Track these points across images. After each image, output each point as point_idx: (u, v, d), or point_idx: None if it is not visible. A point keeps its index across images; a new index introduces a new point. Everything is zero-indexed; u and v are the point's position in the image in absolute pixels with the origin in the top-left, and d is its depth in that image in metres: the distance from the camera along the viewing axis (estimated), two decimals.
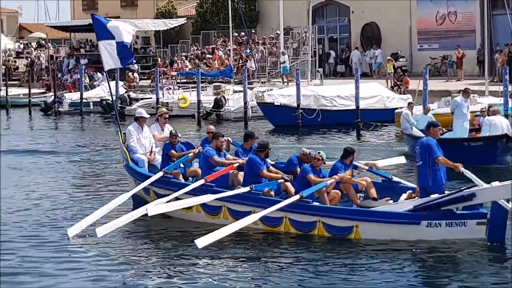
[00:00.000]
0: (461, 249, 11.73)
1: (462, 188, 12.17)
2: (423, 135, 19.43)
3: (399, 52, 44.34)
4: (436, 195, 12.16)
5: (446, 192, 12.38)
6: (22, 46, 65.39)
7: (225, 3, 46.81)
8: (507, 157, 19.47)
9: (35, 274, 11.12)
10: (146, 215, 13.31)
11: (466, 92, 21.97)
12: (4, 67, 55.17)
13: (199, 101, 34.65)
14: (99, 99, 40.02)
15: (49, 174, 20.54)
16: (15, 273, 11.10)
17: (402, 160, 16.11)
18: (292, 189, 13.10)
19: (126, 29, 16.31)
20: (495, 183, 12.14)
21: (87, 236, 12.96)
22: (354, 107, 29.44)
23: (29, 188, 18.47)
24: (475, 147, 17.72)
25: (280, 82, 41.41)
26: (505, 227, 11.93)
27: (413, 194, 12.81)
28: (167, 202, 13.40)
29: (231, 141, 15.46)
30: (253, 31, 50.14)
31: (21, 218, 14.75)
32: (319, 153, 13.61)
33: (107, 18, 17.88)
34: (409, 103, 24.31)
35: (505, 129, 18.34)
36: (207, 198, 13.12)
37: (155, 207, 12.68)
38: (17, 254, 12.04)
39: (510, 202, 11.97)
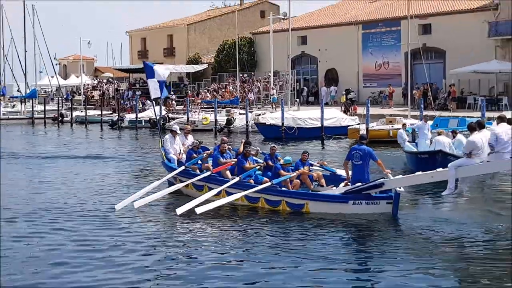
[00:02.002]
0: (374, 220, 11.72)
1: (376, 179, 12.20)
2: (414, 149, 19.05)
3: (350, 88, 44.43)
4: (359, 183, 12.19)
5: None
6: (96, 82, 65.53)
7: (234, 54, 46.93)
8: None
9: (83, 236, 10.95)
10: (173, 193, 13.75)
11: (424, 118, 20.77)
12: (85, 96, 55.32)
13: (216, 120, 34.87)
14: (148, 118, 40.06)
15: (112, 168, 20.52)
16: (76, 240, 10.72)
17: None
18: (267, 181, 13.17)
19: (164, 71, 16.38)
20: (397, 177, 12.28)
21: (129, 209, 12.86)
22: (320, 125, 29.56)
23: (99, 175, 18.55)
24: (425, 158, 17.10)
25: (270, 108, 41.46)
26: (397, 206, 11.87)
27: (349, 183, 12.78)
28: (190, 201, 13.03)
29: (260, 151, 15.57)
30: (253, 74, 50.21)
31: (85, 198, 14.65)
32: (289, 161, 13.76)
33: (153, 63, 17.93)
34: (403, 124, 22.24)
35: (447, 146, 17.26)
36: (211, 193, 13.02)
37: (181, 208, 12.23)
38: (75, 225, 11.76)
39: (401, 188, 12.07)
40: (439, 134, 17.84)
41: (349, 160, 12.72)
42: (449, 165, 11.83)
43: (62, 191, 15.77)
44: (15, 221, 12.12)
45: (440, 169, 12.07)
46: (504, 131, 11.36)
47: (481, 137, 11.81)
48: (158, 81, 15.78)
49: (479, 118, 21.11)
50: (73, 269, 8.95)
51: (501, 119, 11.87)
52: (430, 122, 26.14)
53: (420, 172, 12.28)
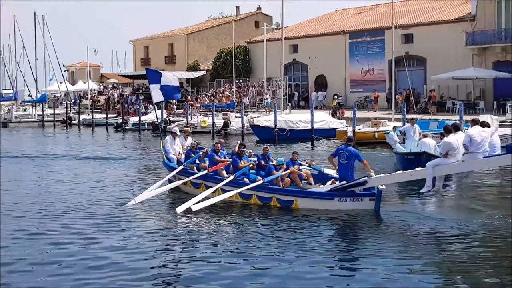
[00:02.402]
0: (358, 215, 11.72)
1: (360, 177, 12.21)
2: (404, 150, 18.83)
3: (338, 93, 44.60)
4: (344, 181, 12.18)
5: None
6: (102, 87, 65.42)
7: (230, 61, 47.03)
8: None
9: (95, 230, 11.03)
10: (173, 189, 13.85)
11: (411, 121, 20.29)
12: (91, 100, 55.26)
13: (213, 123, 34.89)
14: (150, 121, 40.07)
15: (116, 168, 20.52)
16: (87, 232, 10.78)
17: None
18: (260, 180, 13.20)
19: (171, 77, 16.34)
20: (379, 175, 12.26)
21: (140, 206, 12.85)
22: (310, 127, 29.64)
23: (104, 174, 18.50)
24: (411, 159, 17.06)
25: (264, 111, 41.53)
26: (379, 202, 11.81)
27: (335, 181, 12.80)
28: (190, 198, 13.03)
29: (253, 153, 15.56)
30: (248, 79, 50.31)
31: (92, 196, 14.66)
32: (281, 162, 13.82)
33: (156, 70, 17.77)
34: (394, 127, 21.82)
35: (432, 147, 16.97)
36: (208, 192, 13.05)
37: (180, 207, 12.17)
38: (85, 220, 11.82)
39: (383, 185, 12.00)
40: (425, 136, 17.95)
41: (334, 157, 12.78)
42: (426, 164, 11.91)
43: (68, 190, 15.70)
44: (21, 219, 12.01)
45: (419, 168, 12.12)
46: (477, 133, 11.49)
47: (457, 139, 11.94)
48: (162, 86, 15.73)
49: (456, 121, 21.23)
50: (73, 268, 8.71)
51: (474, 122, 11.99)
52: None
53: (400, 171, 12.34)
